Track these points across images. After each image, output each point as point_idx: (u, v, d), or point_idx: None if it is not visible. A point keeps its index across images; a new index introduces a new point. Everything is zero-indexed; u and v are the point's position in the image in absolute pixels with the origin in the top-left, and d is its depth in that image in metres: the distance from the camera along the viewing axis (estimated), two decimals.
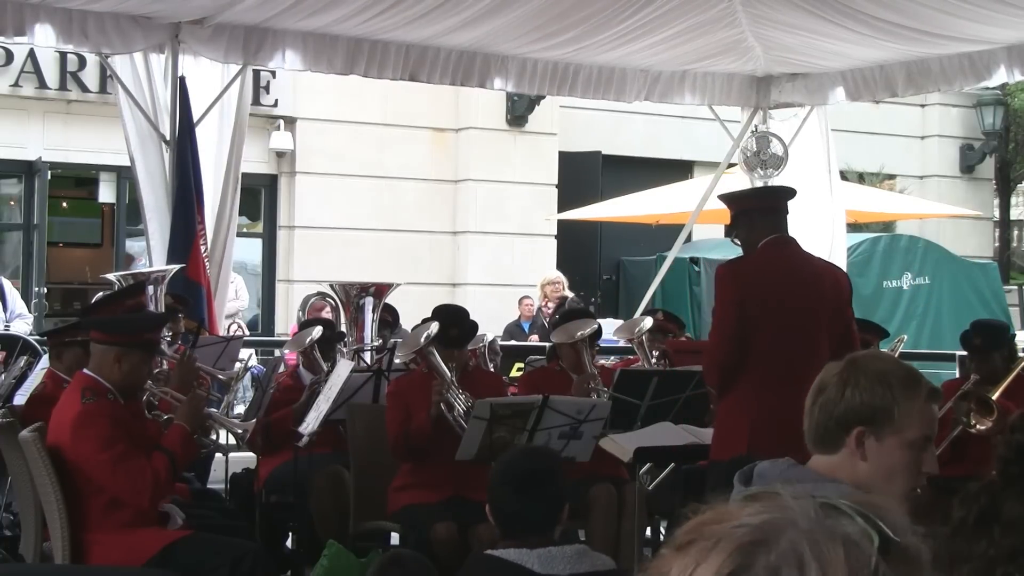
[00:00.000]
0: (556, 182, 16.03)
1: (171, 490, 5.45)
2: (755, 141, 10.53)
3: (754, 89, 10.58)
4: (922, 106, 19.31)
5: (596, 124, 16.42)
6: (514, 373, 9.61)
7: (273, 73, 14.05)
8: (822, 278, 5.21)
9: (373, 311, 7.91)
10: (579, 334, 6.59)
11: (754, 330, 4.97)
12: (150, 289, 7.23)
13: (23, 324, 10.67)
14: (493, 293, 14.92)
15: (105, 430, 5.00)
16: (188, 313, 7.82)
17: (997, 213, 21.49)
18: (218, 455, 7.40)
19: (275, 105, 14.83)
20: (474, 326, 6.43)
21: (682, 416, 6.08)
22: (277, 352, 10.08)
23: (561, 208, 15.67)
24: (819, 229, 10.14)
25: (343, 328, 7.97)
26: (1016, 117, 20.62)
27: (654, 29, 8.89)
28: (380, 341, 7.86)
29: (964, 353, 7.14)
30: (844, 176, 14.24)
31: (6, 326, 10.42)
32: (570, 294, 12.91)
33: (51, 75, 13.83)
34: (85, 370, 5.22)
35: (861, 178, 17.89)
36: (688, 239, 13.46)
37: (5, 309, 10.65)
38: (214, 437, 6.06)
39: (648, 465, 6.26)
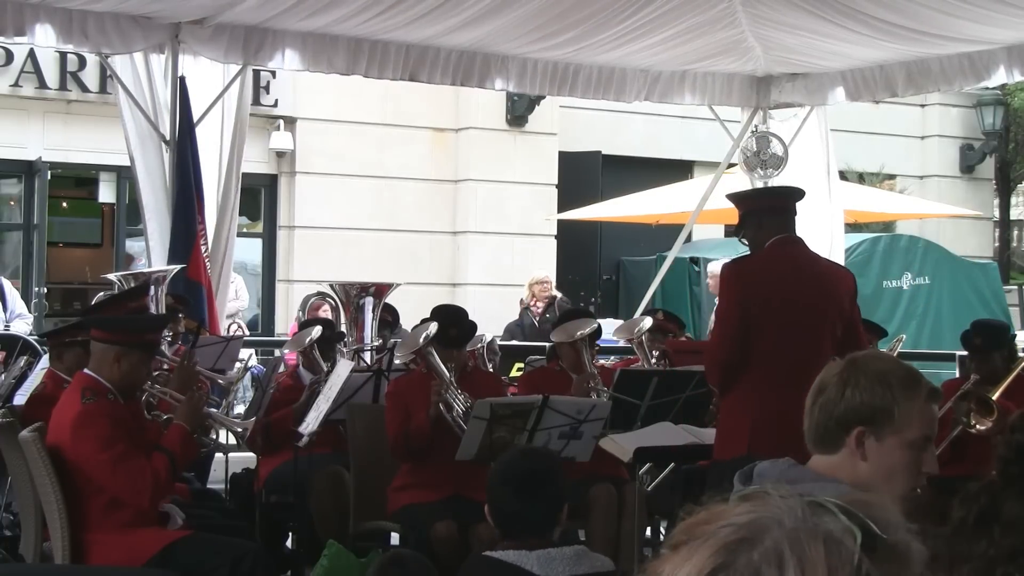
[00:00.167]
0: (556, 182, 16.00)
1: (171, 490, 5.45)
2: (755, 141, 10.53)
3: (754, 89, 10.58)
4: (922, 106, 19.29)
5: (596, 124, 16.39)
6: (514, 373, 9.59)
7: (273, 73, 14.03)
8: (827, 277, 5.20)
9: (373, 311, 7.90)
10: (579, 334, 6.59)
11: (757, 329, 4.97)
12: (151, 290, 7.24)
13: (23, 324, 10.67)
14: (493, 293, 14.90)
15: (105, 430, 5.00)
16: (188, 313, 7.83)
17: (997, 213, 21.47)
18: (218, 455, 7.40)
19: (275, 105, 14.81)
20: (473, 326, 6.43)
21: (682, 416, 6.08)
22: (277, 352, 10.06)
23: (561, 208, 15.64)
24: (818, 229, 10.13)
25: (343, 328, 7.97)
26: (1016, 117, 20.60)
27: (654, 29, 8.89)
28: (380, 341, 7.85)
29: (964, 353, 7.14)
30: (844, 176, 14.26)
31: (6, 326, 10.42)
32: (558, 294, 12.85)
33: (51, 75, 13.82)
34: (85, 370, 5.22)
35: (861, 178, 17.87)
36: (688, 239, 13.45)
37: (5, 309, 10.65)
38: (214, 436, 6.05)
39: (648, 465, 6.25)
